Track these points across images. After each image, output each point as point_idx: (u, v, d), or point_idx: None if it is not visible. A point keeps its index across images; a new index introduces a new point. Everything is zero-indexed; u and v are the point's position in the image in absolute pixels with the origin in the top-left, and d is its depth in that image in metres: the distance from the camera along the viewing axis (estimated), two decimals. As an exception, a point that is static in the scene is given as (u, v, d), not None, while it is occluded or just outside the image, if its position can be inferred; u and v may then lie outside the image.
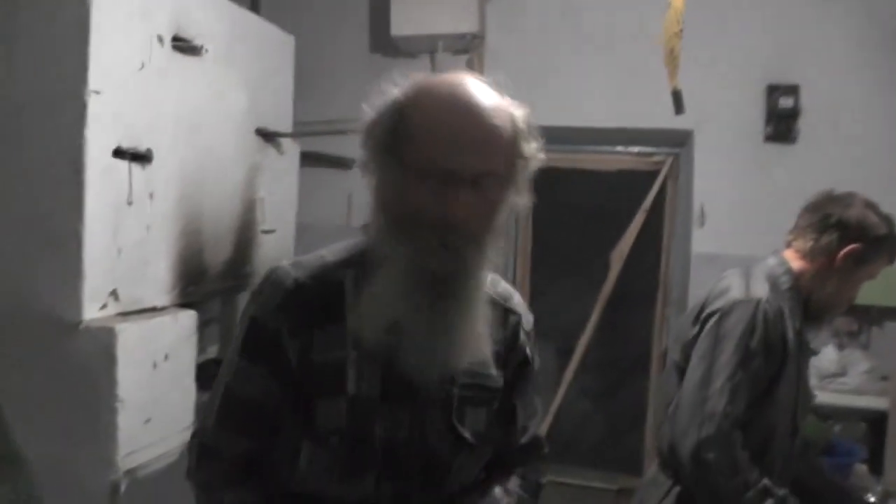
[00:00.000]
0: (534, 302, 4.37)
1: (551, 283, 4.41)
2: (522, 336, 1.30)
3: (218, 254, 2.69)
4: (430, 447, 1.16)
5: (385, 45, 4.08)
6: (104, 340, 2.06)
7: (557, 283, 4.40)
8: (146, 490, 2.21)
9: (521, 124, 1.14)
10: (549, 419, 4.33)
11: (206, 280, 2.62)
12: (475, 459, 1.24)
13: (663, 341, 4.06)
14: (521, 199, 1.17)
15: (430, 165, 1.05)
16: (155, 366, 2.22)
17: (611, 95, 3.80)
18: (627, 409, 4.30)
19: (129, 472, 2.16)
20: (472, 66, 3.99)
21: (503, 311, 1.27)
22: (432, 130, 1.06)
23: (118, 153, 2.15)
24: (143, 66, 2.25)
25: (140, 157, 2.21)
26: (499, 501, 1.25)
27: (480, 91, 1.11)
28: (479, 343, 1.15)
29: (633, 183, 4.15)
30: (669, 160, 4.06)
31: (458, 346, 1.12)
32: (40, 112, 2.11)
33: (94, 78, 2.08)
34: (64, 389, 2.11)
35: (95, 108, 2.08)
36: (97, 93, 2.08)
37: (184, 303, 2.47)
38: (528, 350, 1.31)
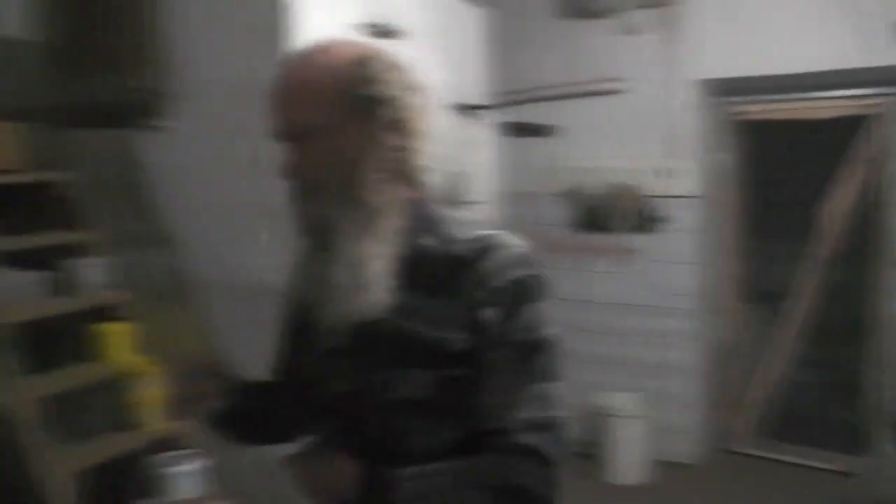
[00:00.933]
0: (747, 263, 4.18)
1: (763, 242, 4.19)
2: (483, 293, 1.09)
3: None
4: (384, 404, 1.13)
5: (576, 7, 4.04)
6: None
7: (769, 242, 4.18)
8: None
9: (369, 66, 1.09)
10: (765, 389, 4.13)
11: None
12: (428, 426, 1.13)
13: (885, 303, 3.72)
14: (378, 140, 1.10)
15: (272, 130, 1.13)
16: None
17: (817, 36, 3.52)
18: (847, 378, 3.99)
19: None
20: (664, 21, 3.85)
21: (473, 266, 1.10)
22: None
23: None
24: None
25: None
26: (423, 473, 1.10)
27: (312, 49, 1.12)
28: (366, 296, 1.08)
29: (848, 130, 3.83)
30: (888, 101, 3.69)
31: (338, 298, 1.10)
32: (254, 99, 2.30)
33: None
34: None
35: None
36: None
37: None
38: (487, 310, 1.09)
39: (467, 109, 3.15)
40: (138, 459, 2.30)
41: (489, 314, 1.09)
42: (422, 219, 1.15)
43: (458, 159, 3.07)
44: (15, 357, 2.63)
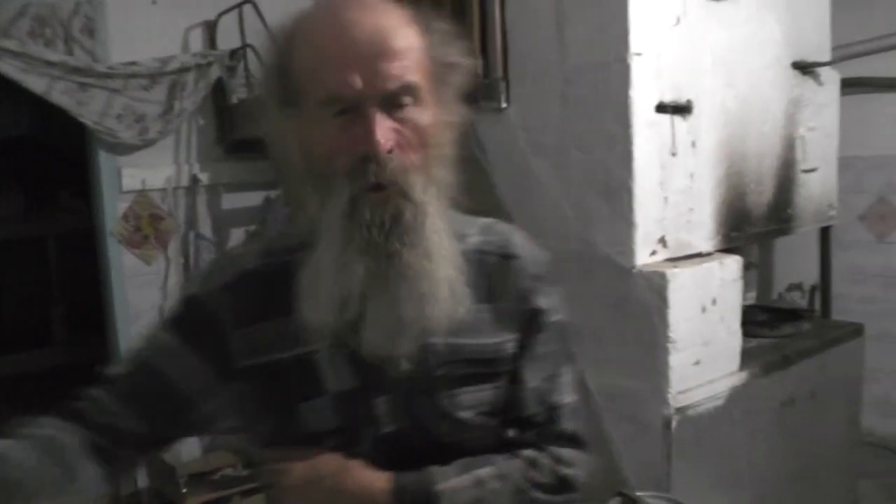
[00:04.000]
0: None
1: None
2: (527, 282, 1.02)
3: (759, 197, 2.63)
4: (431, 436, 0.98)
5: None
6: (657, 284, 2.21)
7: None
8: (695, 429, 2.31)
9: (433, 30, 0.92)
10: None
11: (747, 225, 2.60)
12: (482, 440, 1.00)
13: None
14: (453, 114, 0.95)
15: (331, 96, 0.87)
16: (703, 310, 2.30)
17: None
18: None
19: (680, 409, 2.27)
20: None
21: (501, 261, 1.02)
22: (323, 54, 0.87)
23: (661, 108, 2.26)
24: (678, 20, 2.31)
25: (681, 109, 2.29)
26: (476, 481, 0.95)
27: (371, 2, 0.91)
28: (456, 298, 0.91)
29: None
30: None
31: (430, 306, 0.89)
32: (590, 78, 2.33)
33: (636, 41, 2.21)
34: (621, 326, 2.33)
35: (638, 68, 2.21)
36: (639, 55, 2.21)
37: (726, 248, 2.50)
38: (536, 298, 1.03)
39: (806, 67, 2.86)
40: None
41: (542, 300, 1.03)
42: None
43: (796, 121, 2.80)
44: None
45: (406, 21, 0.90)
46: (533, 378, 1.02)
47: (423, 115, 0.89)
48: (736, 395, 2.40)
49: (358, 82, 0.85)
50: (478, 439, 1.00)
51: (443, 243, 0.90)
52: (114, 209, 3.35)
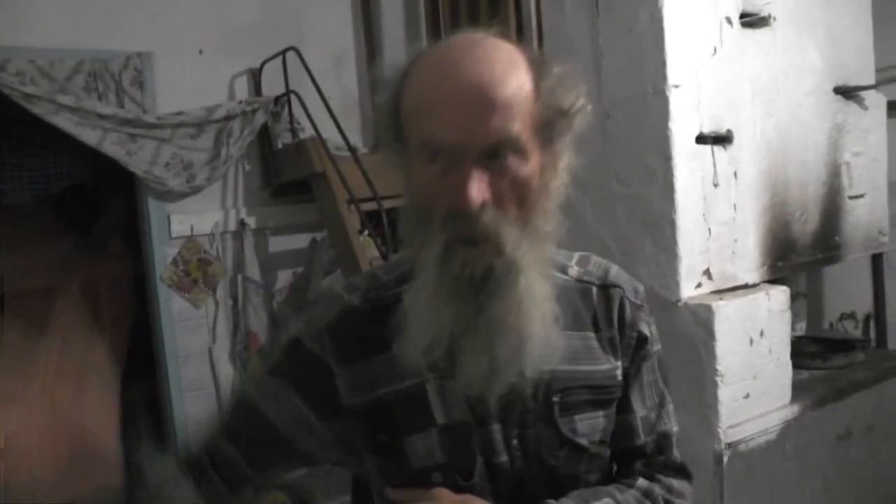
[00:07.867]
0: None
1: None
2: (629, 311, 1.04)
3: (804, 226, 2.59)
4: (545, 465, 0.98)
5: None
6: (703, 317, 2.18)
7: None
8: (747, 464, 2.26)
9: (548, 76, 0.90)
10: None
11: (793, 254, 2.55)
12: (597, 466, 1.03)
13: None
14: (561, 160, 0.92)
15: (427, 142, 0.85)
16: (751, 342, 2.26)
17: None
18: None
19: (731, 444, 2.23)
20: None
21: (602, 291, 1.04)
22: (424, 100, 0.86)
23: (701, 139, 2.25)
24: (715, 51, 2.32)
25: (721, 140, 2.28)
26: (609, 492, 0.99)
27: (485, 47, 0.88)
28: (548, 342, 0.90)
29: None
30: None
31: (520, 356, 0.89)
32: (628, 111, 2.34)
33: (673, 73, 2.22)
34: (667, 359, 2.29)
35: (676, 100, 2.22)
36: (677, 87, 2.22)
37: (772, 279, 2.46)
38: (641, 325, 1.05)
39: (849, 91, 2.82)
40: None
41: (646, 327, 1.06)
42: None
43: (841, 147, 2.76)
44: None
45: (518, 67, 0.88)
46: (641, 407, 1.04)
47: (523, 166, 0.86)
48: (788, 429, 2.35)
49: (456, 134, 0.83)
50: (591, 469, 1.01)
51: (535, 298, 0.89)
52: (163, 255, 3.44)
